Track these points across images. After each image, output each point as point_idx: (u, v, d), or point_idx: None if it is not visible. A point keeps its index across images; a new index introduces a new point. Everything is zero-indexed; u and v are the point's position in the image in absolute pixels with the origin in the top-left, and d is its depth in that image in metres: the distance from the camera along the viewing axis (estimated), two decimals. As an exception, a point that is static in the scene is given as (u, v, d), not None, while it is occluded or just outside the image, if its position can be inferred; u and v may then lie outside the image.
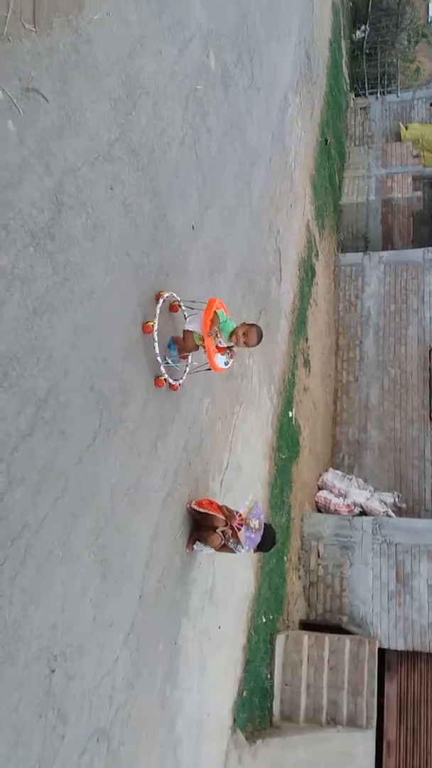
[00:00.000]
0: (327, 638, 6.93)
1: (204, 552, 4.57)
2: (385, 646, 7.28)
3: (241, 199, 6.05)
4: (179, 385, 4.13)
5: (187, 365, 4.26)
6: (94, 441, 3.25)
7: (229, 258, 5.62)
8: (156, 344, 3.74)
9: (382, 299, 11.37)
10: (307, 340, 9.00)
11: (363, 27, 17.17)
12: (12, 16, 2.54)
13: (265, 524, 4.64)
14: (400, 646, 7.26)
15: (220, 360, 3.93)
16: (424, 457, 10.05)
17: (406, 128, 14.27)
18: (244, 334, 3.90)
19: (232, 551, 4.53)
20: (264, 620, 6.39)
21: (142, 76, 3.78)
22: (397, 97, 15.36)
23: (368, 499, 8.81)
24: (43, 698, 2.90)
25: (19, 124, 2.62)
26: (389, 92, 15.82)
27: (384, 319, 11.24)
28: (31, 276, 2.71)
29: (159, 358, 3.80)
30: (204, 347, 3.89)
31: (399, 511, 9.05)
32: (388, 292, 11.39)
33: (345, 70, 15.26)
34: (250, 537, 4.42)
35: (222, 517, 4.45)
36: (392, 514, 8.70)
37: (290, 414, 7.83)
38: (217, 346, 3.89)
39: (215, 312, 3.81)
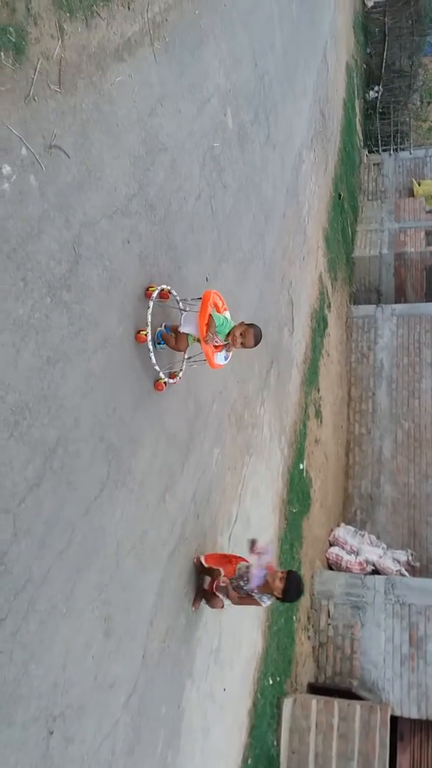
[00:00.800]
0: (336, 703, 6.62)
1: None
2: (398, 713, 6.92)
3: (255, 252, 6.13)
4: (179, 379, 3.97)
5: (185, 356, 4.08)
6: (101, 492, 3.20)
7: (241, 308, 5.65)
8: (152, 354, 3.60)
9: (395, 351, 11.35)
10: (318, 390, 8.96)
11: (376, 87, 17.74)
12: (38, 78, 2.63)
13: (289, 571, 4.42)
14: (414, 715, 6.91)
15: (219, 358, 3.75)
16: (438, 513, 9.82)
17: (419, 184, 14.56)
18: (241, 335, 3.70)
19: (257, 603, 4.30)
20: (271, 682, 6.14)
21: (161, 134, 3.89)
22: (410, 154, 15.73)
23: (381, 557, 8.56)
24: (40, 762, 2.77)
25: (41, 179, 2.68)
26: (402, 149, 16.20)
27: (397, 371, 11.19)
28: (47, 326, 2.73)
29: (156, 367, 3.66)
30: (200, 345, 3.71)
31: (412, 570, 8.78)
32: (401, 344, 11.38)
33: (359, 128, 15.69)
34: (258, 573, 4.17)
35: (223, 569, 4.29)
36: (405, 573, 8.44)
37: (301, 466, 7.72)
38: (214, 345, 3.71)
39: (210, 316, 3.62)
